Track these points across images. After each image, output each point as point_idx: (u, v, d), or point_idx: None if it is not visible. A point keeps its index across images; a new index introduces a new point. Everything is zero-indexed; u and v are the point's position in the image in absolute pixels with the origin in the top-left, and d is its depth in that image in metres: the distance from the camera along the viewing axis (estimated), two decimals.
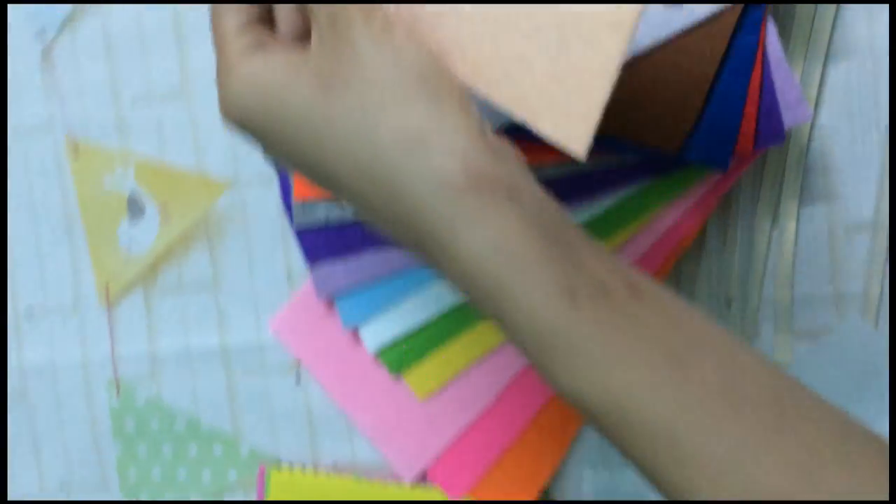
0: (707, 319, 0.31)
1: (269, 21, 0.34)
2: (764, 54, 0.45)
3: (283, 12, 0.34)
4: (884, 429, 0.48)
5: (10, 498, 0.59)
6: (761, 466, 0.29)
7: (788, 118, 0.46)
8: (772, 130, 0.45)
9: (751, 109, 0.45)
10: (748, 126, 0.45)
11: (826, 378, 0.48)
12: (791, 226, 0.49)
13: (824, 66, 0.49)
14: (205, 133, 0.55)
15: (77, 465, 0.58)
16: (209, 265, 0.56)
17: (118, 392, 0.57)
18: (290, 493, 0.54)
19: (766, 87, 0.45)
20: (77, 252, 0.57)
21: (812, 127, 0.49)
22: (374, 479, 0.54)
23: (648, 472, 0.31)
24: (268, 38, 0.33)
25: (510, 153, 0.32)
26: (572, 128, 0.35)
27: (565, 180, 0.48)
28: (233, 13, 0.33)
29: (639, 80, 0.46)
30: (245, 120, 0.33)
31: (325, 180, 0.33)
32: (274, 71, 0.32)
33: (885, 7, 0.48)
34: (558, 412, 0.52)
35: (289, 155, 0.33)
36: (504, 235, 0.29)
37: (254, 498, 0.56)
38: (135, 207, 0.56)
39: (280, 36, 0.34)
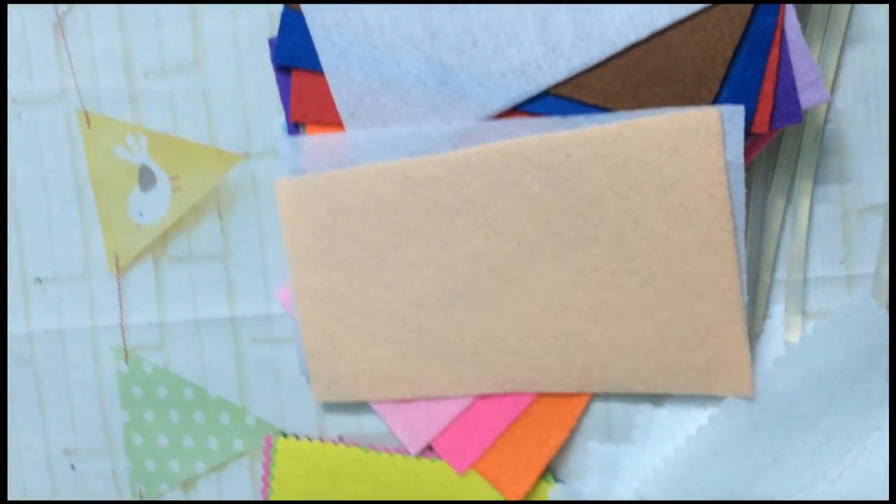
0: None
1: None
2: (782, 35, 0.45)
3: None
4: (885, 411, 0.48)
5: (15, 462, 0.59)
6: None
7: (805, 98, 0.46)
8: (789, 110, 0.45)
9: (768, 88, 0.45)
10: (765, 105, 0.45)
11: (832, 355, 0.48)
12: (805, 205, 0.49)
13: (841, 49, 0.49)
14: (217, 106, 0.55)
15: (83, 431, 0.58)
16: (219, 236, 0.56)
17: (126, 359, 0.57)
18: (297, 462, 0.54)
19: (784, 66, 0.45)
20: (87, 222, 0.57)
21: (828, 109, 0.49)
22: (381, 450, 0.54)
23: None
24: None
25: None
26: (735, 381, 0.47)
27: None
28: None
29: (658, 57, 0.46)
30: None
31: None
32: None
33: None
34: None
35: None
36: None
37: (260, 467, 0.56)
38: (146, 178, 0.56)
39: None
